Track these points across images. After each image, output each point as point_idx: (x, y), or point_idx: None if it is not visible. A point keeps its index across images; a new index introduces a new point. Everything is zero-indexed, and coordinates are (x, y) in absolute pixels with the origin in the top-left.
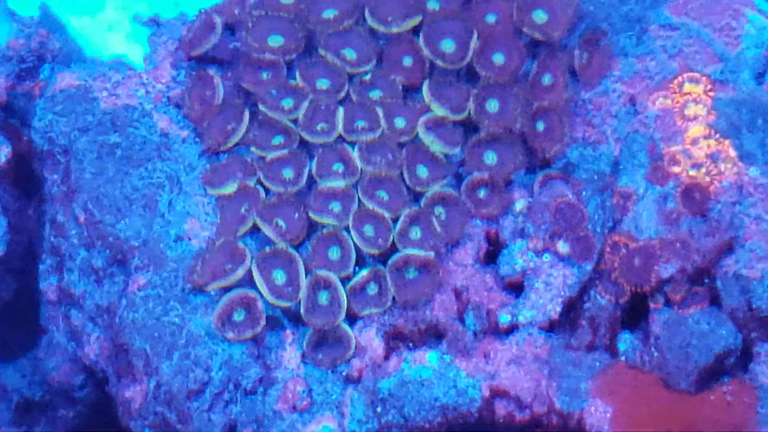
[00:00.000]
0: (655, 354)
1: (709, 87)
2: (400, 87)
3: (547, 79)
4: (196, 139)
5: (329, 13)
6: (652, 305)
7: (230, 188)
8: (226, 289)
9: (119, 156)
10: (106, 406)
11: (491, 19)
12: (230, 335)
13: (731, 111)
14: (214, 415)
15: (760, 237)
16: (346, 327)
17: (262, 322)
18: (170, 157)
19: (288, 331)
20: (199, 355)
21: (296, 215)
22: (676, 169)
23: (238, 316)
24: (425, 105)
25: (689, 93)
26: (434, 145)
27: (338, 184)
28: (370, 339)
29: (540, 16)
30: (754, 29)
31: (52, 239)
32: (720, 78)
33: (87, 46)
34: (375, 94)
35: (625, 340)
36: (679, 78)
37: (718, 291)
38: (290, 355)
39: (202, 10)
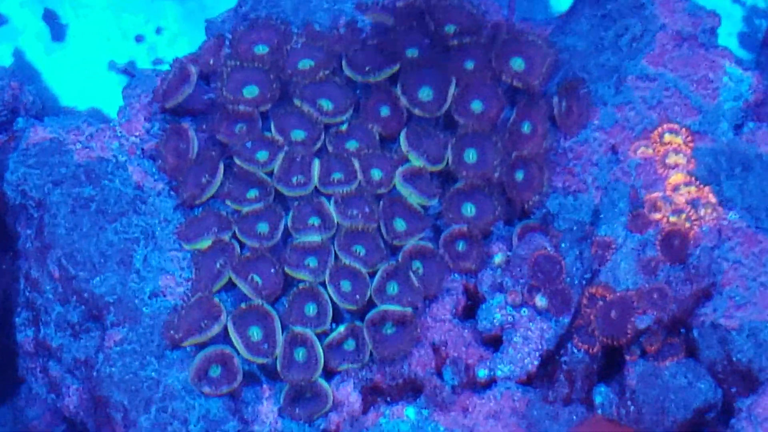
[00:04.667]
0: (632, 408)
1: (688, 138)
2: (378, 137)
3: (526, 128)
4: (171, 193)
5: (305, 64)
6: (628, 357)
7: (205, 243)
8: (203, 345)
9: (94, 210)
10: None
11: (469, 65)
12: (207, 390)
13: (710, 160)
14: None
15: (739, 283)
16: (323, 382)
17: (239, 378)
18: (145, 211)
19: (265, 386)
20: (176, 409)
21: (272, 270)
22: (656, 216)
23: (215, 372)
24: (403, 155)
25: (669, 143)
26: (412, 196)
27: (314, 238)
28: (347, 394)
29: (518, 64)
30: (731, 82)
31: (27, 293)
32: (699, 129)
33: (62, 93)
34: (352, 145)
35: (602, 393)
36: (659, 129)
37: (696, 342)
38: (267, 410)
39: (177, 59)
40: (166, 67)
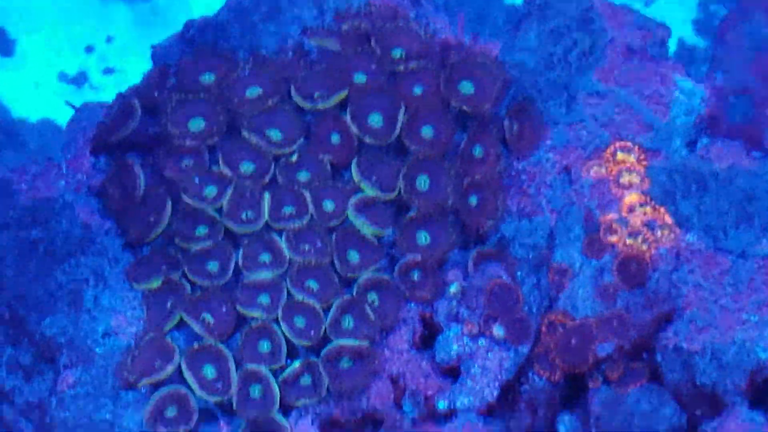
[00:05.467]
0: None
1: (641, 155)
2: (329, 166)
3: (478, 152)
4: (119, 231)
5: (253, 92)
6: (590, 384)
7: (155, 283)
8: (157, 385)
9: (41, 251)
10: None
11: (418, 91)
12: (163, 431)
13: (665, 178)
14: None
15: (699, 305)
16: (280, 418)
17: (195, 417)
18: (94, 251)
19: (222, 423)
20: None
21: (223, 309)
22: (613, 239)
23: (170, 412)
24: (355, 185)
25: (623, 161)
26: (365, 227)
27: (265, 275)
28: (305, 429)
29: (467, 88)
30: (683, 95)
31: None
32: (651, 146)
33: (14, 105)
34: (303, 176)
35: (565, 422)
36: (612, 147)
37: (659, 366)
38: None
39: (120, 94)
40: (118, 76)
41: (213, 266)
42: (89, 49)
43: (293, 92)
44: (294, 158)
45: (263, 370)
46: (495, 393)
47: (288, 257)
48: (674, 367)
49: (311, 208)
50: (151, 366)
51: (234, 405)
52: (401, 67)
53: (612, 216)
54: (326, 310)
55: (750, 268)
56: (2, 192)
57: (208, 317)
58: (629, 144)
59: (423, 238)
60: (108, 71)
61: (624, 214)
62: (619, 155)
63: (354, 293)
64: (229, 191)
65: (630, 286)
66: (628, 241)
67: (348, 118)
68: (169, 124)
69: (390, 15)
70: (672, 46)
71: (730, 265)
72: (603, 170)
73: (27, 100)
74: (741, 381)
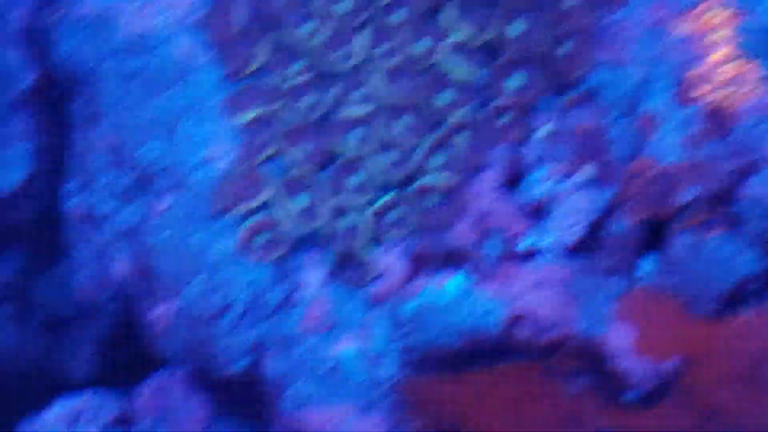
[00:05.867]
0: (675, 279)
1: (732, 14)
2: (425, 8)
3: (568, 3)
4: (217, 64)
5: None
6: (671, 230)
7: (250, 115)
8: (249, 213)
9: (141, 81)
10: (133, 323)
11: None
12: (254, 257)
13: (754, 37)
14: (237, 337)
15: None
16: (369, 250)
17: (286, 245)
18: (192, 82)
19: (312, 253)
20: (222, 277)
21: (315, 143)
22: (700, 92)
23: (262, 239)
24: (449, 27)
25: (713, 18)
26: (457, 69)
27: (358, 111)
28: (393, 262)
29: None
30: None
31: (76, 162)
32: (742, 7)
33: None
34: (397, 17)
35: (646, 264)
36: (703, 4)
37: (739, 216)
38: (314, 276)
39: None
40: None
41: (306, 101)
42: None
43: None
44: None
45: (353, 202)
46: (579, 234)
47: (380, 95)
48: (754, 217)
49: (405, 47)
50: (244, 194)
51: (324, 236)
52: None
53: (700, 70)
54: (416, 148)
55: None
56: (104, 23)
57: (301, 150)
58: (719, 2)
59: (513, 82)
60: None
61: (712, 68)
62: (710, 13)
63: (444, 133)
64: (325, 29)
65: (715, 136)
66: (716, 94)
67: None
68: None
69: None
70: None
71: None
72: (693, 26)
73: None
74: None
